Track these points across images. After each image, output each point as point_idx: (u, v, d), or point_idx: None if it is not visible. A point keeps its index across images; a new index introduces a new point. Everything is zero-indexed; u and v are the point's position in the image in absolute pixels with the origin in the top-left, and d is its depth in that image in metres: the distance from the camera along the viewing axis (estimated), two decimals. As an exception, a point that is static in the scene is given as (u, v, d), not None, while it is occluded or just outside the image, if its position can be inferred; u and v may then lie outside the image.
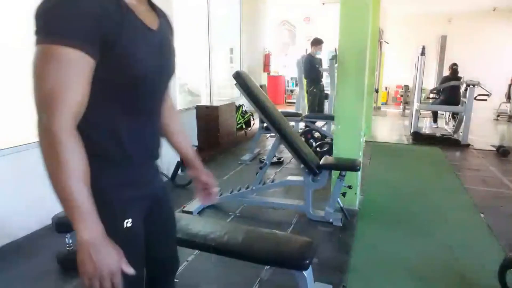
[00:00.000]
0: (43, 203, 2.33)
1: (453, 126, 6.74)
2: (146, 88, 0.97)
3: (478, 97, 6.36)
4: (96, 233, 0.80)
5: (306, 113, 5.96)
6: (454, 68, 7.31)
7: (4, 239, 2.58)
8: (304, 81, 6.41)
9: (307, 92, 6.30)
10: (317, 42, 6.24)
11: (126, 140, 0.95)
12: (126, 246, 0.89)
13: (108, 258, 0.81)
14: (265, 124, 4.48)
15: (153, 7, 1.04)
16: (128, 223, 0.96)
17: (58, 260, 2.29)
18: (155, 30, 0.98)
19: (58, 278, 2.19)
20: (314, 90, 6.13)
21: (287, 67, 12.00)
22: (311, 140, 5.11)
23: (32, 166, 2.21)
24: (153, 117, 1.06)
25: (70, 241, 2.28)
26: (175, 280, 1.32)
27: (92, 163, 0.83)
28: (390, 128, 7.71)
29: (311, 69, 6.13)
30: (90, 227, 0.79)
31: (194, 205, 3.24)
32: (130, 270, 0.86)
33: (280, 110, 3.32)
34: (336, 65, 5.27)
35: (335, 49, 5.88)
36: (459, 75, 7.21)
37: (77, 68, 0.79)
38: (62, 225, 2.25)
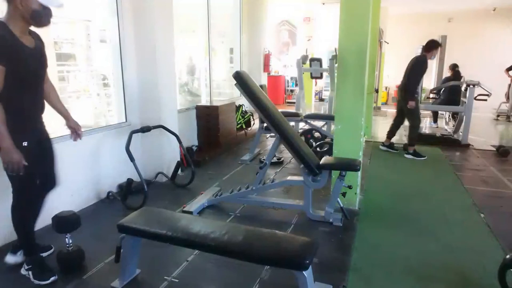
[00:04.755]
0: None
1: (453, 126, 6.74)
2: (33, 75, 2.06)
3: (478, 97, 6.36)
4: (10, 144, 1.89)
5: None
6: (456, 70, 7.32)
7: (4, 239, 2.58)
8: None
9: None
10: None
11: (25, 105, 2.04)
12: (26, 155, 1.96)
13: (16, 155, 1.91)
14: (265, 124, 4.48)
15: (32, 35, 2.06)
16: (25, 144, 2.00)
17: (58, 260, 2.28)
18: (32, 47, 2.02)
19: (59, 278, 2.19)
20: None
21: (287, 67, 12.01)
22: (311, 140, 5.11)
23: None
24: (39, 91, 2.15)
25: (70, 241, 2.28)
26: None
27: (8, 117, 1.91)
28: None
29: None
30: (7, 142, 1.88)
31: (194, 205, 3.24)
32: (24, 163, 1.94)
33: (280, 110, 3.32)
34: (336, 65, 5.27)
35: (335, 49, 5.88)
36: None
37: None
38: (62, 225, 2.25)
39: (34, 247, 2.25)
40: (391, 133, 5.50)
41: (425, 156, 5.07)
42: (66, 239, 2.26)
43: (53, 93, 2.30)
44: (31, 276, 2.15)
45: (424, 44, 5.18)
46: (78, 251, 2.34)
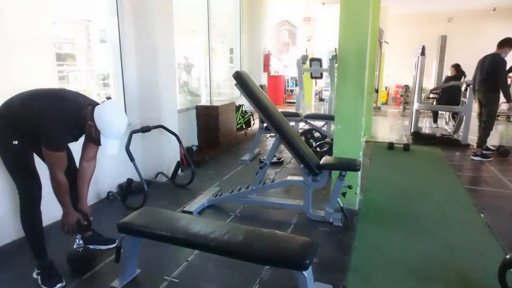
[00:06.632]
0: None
1: (453, 126, 6.73)
2: None
3: (478, 97, 6.34)
4: (70, 209, 2.15)
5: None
6: (460, 70, 7.33)
7: (9, 238, 2.58)
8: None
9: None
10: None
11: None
12: (16, 152, 2.05)
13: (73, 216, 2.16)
14: (265, 124, 4.48)
15: None
16: (15, 142, 2.01)
17: (68, 261, 2.27)
18: None
19: (69, 278, 2.18)
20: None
21: (287, 67, 12.01)
22: (311, 140, 5.11)
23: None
24: None
25: (81, 242, 2.26)
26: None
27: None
28: (390, 128, 7.71)
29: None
30: (70, 209, 2.15)
31: (194, 205, 3.24)
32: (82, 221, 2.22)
33: (280, 110, 3.32)
34: (336, 65, 5.27)
35: (335, 49, 5.87)
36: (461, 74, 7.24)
37: None
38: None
39: (44, 251, 2.18)
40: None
41: (491, 157, 5.08)
42: (77, 239, 2.26)
43: (87, 173, 2.28)
44: (39, 281, 2.13)
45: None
46: (89, 252, 2.35)
